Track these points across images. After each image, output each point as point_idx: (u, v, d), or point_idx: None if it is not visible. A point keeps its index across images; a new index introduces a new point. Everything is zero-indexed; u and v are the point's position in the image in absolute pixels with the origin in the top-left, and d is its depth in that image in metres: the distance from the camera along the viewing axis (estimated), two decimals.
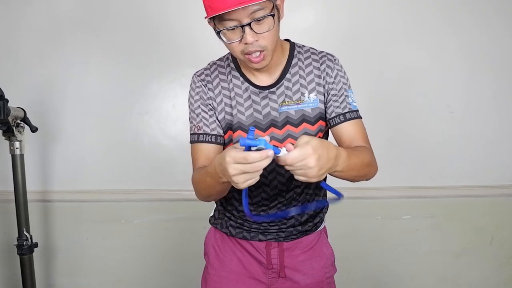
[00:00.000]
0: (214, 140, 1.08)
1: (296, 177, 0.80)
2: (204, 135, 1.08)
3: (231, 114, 1.09)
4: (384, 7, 1.97)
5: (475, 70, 2.01)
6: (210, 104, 1.10)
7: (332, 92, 1.07)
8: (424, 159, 2.04)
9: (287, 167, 0.78)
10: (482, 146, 2.04)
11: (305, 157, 0.76)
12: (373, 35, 1.98)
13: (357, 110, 1.08)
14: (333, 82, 1.07)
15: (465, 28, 1.99)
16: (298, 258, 1.19)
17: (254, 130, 0.77)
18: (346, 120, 1.05)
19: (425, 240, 2.08)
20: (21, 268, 1.71)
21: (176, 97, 1.99)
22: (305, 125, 1.07)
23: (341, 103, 1.06)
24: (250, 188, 1.13)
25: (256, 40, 0.94)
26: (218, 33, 0.96)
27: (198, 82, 1.11)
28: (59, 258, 2.07)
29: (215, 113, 1.09)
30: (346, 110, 1.06)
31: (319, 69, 1.07)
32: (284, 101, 1.07)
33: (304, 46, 1.12)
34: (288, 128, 1.07)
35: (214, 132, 1.08)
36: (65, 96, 1.98)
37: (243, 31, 0.92)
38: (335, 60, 1.09)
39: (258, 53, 0.96)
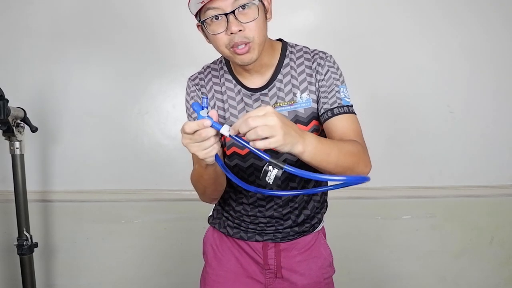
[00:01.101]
0: None
1: (260, 142, 0.74)
2: None
3: (224, 117, 1.09)
4: (384, 7, 1.97)
5: (475, 70, 2.01)
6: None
7: (322, 89, 1.05)
8: (424, 159, 2.04)
9: (250, 123, 0.73)
10: (482, 146, 2.04)
11: (265, 112, 0.74)
12: (374, 35, 1.98)
13: (350, 106, 1.04)
14: (323, 79, 1.05)
15: (465, 28, 1.99)
16: (295, 259, 1.18)
17: (207, 98, 0.80)
18: (334, 115, 1.01)
19: (425, 240, 2.08)
20: (21, 268, 1.71)
21: (176, 97, 1.99)
22: (298, 126, 1.06)
23: (330, 98, 1.03)
24: (245, 195, 1.14)
25: (241, 30, 0.93)
26: (202, 23, 0.95)
27: (192, 86, 1.13)
28: (59, 258, 2.07)
29: None
30: (335, 105, 1.02)
31: (310, 67, 1.06)
32: (276, 102, 1.06)
33: (297, 45, 1.11)
34: None
35: None
36: (65, 96, 1.98)
37: (228, 21, 0.92)
38: (326, 57, 1.07)
39: (243, 45, 0.95)
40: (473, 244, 2.10)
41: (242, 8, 0.92)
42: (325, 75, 1.05)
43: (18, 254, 1.69)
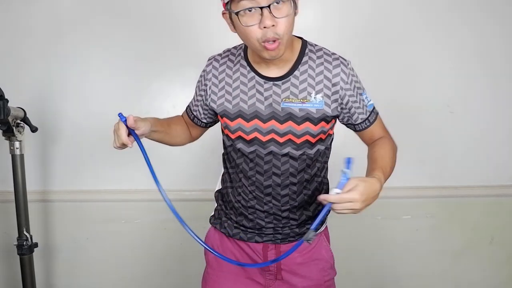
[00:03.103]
0: (191, 118, 1.26)
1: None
2: (189, 110, 1.27)
3: (230, 102, 1.09)
4: (384, 6, 1.97)
5: (475, 70, 2.01)
6: (201, 95, 1.18)
7: (352, 99, 1.08)
8: (424, 159, 2.04)
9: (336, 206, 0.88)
10: (482, 146, 2.04)
11: (352, 201, 0.87)
12: (373, 35, 1.97)
13: (374, 108, 1.15)
14: (349, 89, 1.07)
15: (465, 28, 1.98)
16: (296, 260, 1.18)
17: (351, 161, 0.89)
18: (371, 123, 1.14)
19: (425, 240, 2.08)
20: (21, 268, 1.71)
21: (176, 97, 1.99)
22: (307, 124, 1.06)
23: (362, 108, 1.11)
24: (244, 184, 1.15)
25: (273, 25, 0.92)
26: (236, 14, 0.93)
27: (203, 70, 1.17)
28: (59, 258, 2.07)
29: (203, 101, 1.18)
30: (368, 113, 1.13)
31: (331, 72, 1.06)
32: (288, 97, 1.06)
33: (316, 45, 1.11)
34: (290, 124, 1.07)
35: (194, 114, 1.25)
36: (65, 96, 1.98)
37: (262, 14, 0.91)
38: (348, 65, 1.08)
39: (272, 42, 0.95)
40: (473, 244, 2.10)
41: (277, 3, 0.91)
42: (350, 85, 1.08)
43: (18, 254, 1.69)
